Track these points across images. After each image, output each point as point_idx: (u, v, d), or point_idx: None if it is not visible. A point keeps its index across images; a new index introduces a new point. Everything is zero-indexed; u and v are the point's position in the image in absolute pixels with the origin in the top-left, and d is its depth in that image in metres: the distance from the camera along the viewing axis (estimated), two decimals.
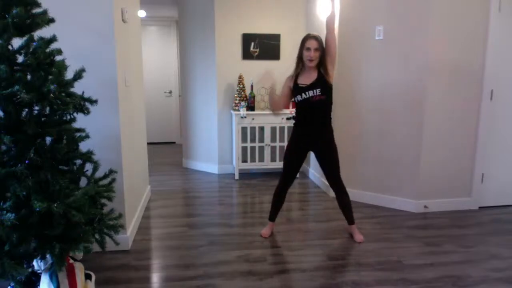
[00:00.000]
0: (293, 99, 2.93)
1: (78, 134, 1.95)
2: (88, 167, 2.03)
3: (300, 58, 2.87)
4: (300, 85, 2.84)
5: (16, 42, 1.76)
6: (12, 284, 1.89)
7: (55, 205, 1.64)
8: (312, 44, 2.78)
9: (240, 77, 4.71)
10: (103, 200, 2.05)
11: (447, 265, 2.63)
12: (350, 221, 3.07)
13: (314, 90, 2.78)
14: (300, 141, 2.95)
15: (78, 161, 1.99)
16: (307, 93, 2.80)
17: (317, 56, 2.78)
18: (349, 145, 3.90)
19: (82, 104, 1.95)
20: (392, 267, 2.60)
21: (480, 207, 3.72)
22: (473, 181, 3.67)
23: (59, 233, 1.71)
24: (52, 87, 1.72)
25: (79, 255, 2.06)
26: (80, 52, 2.46)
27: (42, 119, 1.80)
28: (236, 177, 4.78)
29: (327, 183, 4.23)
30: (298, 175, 4.71)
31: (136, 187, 3.34)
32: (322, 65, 2.83)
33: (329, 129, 2.93)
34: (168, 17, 6.89)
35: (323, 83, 2.81)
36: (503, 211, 3.67)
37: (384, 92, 3.63)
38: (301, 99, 2.83)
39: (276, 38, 4.78)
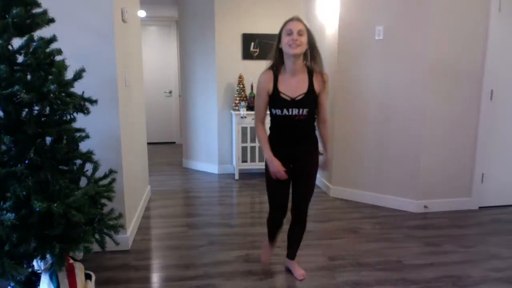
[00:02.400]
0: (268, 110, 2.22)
1: (78, 134, 1.95)
2: (88, 167, 2.03)
3: (279, 52, 2.09)
4: (282, 96, 2.09)
5: (16, 42, 1.76)
6: (12, 284, 1.89)
7: (55, 205, 1.64)
8: (295, 25, 2.03)
9: (240, 77, 4.71)
10: (103, 200, 2.05)
11: (447, 265, 2.63)
12: (292, 256, 2.51)
13: (301, 110, 2.08)
14: (283, 162, 2.17)
15: (78, 161, 1.99)
16: (290, 110, 2.08)
17: (303, 42, 2.02)
18: (349, 145, 3.90)
19: (82, 104, 1.95)
20: (392, 267, 2.60)
21: (480, 207, 3.72)
22: (473, 181, 3.66)
23: (59, 233, 1.71)
24: (52, 87, 1.72)
25: (79, 255, 2.05)
26: (80, 52, 2.46)
27: (42, 119, 1.80)
28: (236, 177, 4.78)
29: (327, 183, 4.26)
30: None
31: (136, 187, 3.34)
32: (311, 62, 2.12)
33: (314, 143, 2.26)
34: (168, 17, 6.89)
35: (313, 99, 2.11)
36: (503, 211, 3.67)
37: (384, 92, 3.63)
38: (280, 114, 2.11)
39: (276, 38, 4.78)
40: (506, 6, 3.41)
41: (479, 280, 2.45)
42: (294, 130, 2.15)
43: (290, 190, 2.29)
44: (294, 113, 2.08)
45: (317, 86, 2.11)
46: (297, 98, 2.07)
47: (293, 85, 2.08)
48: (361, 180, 3.89)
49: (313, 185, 2.31)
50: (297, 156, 2.22)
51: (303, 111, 2.08)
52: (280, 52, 2.07)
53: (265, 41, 4.76)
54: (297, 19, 2.07)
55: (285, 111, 2.08)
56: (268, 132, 2.24)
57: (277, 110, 2.13)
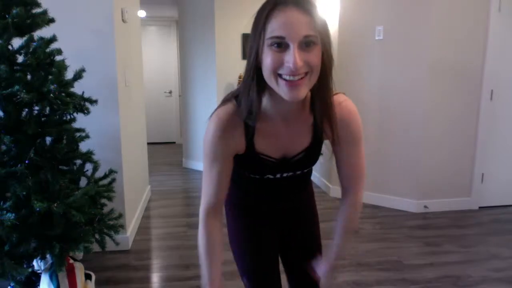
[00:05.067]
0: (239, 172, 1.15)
1: (78, 134, 1.95)
2: (88, 167, 2.03)
3: (255, 70, 0.93)
4: (263, 157, 1.05)
5: (16, 42, 1.76)
6: (12, 284, 1.90)
7: (55, 205, 1.64)
8: (294, 23, 0.83)
9: (240, 77, 4.71)
10: (103, 200, 2.05)
11: (447, 265, 2.63)
12: None
13: (298, 172, 1.14)
14: (264, 226, 1.31)
15: (78, 161, 1.99)
16: (277, 174, 1.13)
17: (314, 64, 0.86)
18: None
19: (82, 104, 1.95)
20: (392, 267, 2.60)
21: (480, 207, 3.71)
22: (473, 181, 3.66)
23: (59, 233, 1.71)
24: (52, 87, 1.72)
25: (79, 255, 2.06)
26: (80, 52, 2.46)
27: (42, 119, 1.81)
28: None
29: (327, 183, 4.25)
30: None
31: (136, 187, 3.34)
32: (320, 94, 0.96)
33: (309, 191, 1.41)
34: (168, 17, 6.89)
35: (318, 151, 1.10)
36: (503, 211, 3.67)
37: (384, 92, 3.63)
38: (259, 177, 1.14)
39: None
40: (506, 6, 3.41)
41: (479, 280, 2.45)
42: (282, 190, 1.23)
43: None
44: (285, 175, 1.14)
45: (329, 131, 1.03)
46: (292, 159, 1.08)
47: (285, 139, 1.04)
48: None
49: (318, 253, 1.36)
50: (283, 214, 1.33)
51: (301, 172, 1.15)
52: (257, 70, 0.93)
53: None
54: (296, 2, 0.85)
55: (269, 176, 1.13)
56: (223, 230, 1.11)
57: (252, 174, 1.13)
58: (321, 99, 0.96)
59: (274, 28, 0.84)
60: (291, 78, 0.85)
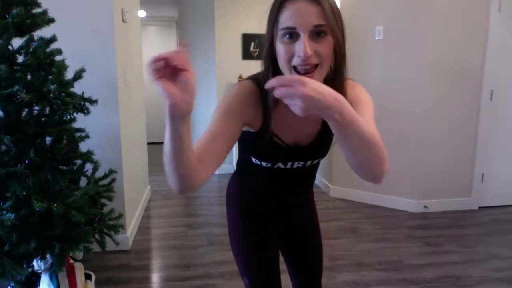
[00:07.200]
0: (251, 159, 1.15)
1: (78, 134, 1.95)
2: (88, 167, 2.03)
3: (271, 59, 0.96)
4: (277, 141, 1.07)
5: (16, 42, 1.76)
6: (12, 284, 1.90)
7: (55, 205, 1.64)
8: (304, 13, 0.86)
9: (240, 77, 4.71)
10: (103, 200, 2.05)
11: (447, 265, 2.63)
12: None
13: (309, 162, 1.16)
14: (269, 223, 1.30)
15: (78, 161, 1.99)
16: (289, 163, 1.14)
17: (325, 55, 0.88)
18: None
19: (82, 104, 1.95)
20: (392, 267, 2.60)
21: (480, 207, 3.71)
22: (473, 181, 3.66)
23: (59, 233, 1.71)
24: (52, 87, 1.73)
25: (79, 255, 2.06)
26: (80, 52, 2.46)
27: (42, 119, 1.81)
28: None
29: (327, 183, 4.26)
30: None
31: (136, 187, 3.34)
32: (334, 81, 0.97)
33: (311, 194, 1.45)
34: (168, 17, 6.90)
35: (330, 139, 1.15)
36: (503, 211, 3.67)
37: (384, 92, 3.63)
38: (270, 167, 1.14)
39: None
40: (506, 6, 3.41)
41: (479, 280, 2.45)
42: (294, 179, 1.24)
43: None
44: (296, 166, 1.15)
45: None
46: (303, 145, 1.10)
47: (297, 124, 1.06)
48: (361, 180, 3.87)
49: (321, 247, 1.46)
50: (290, 208, 1.34)
51: (312, 162, 1.17)
52: (274, 59, 0.95)
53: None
54: None
55: (279, 165, 1.13)
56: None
57: (264, 162, 1.13)
58: (335, 85, 0.93)
59: (285, 19, 0.88)
60: (303, 70, 0.88)
